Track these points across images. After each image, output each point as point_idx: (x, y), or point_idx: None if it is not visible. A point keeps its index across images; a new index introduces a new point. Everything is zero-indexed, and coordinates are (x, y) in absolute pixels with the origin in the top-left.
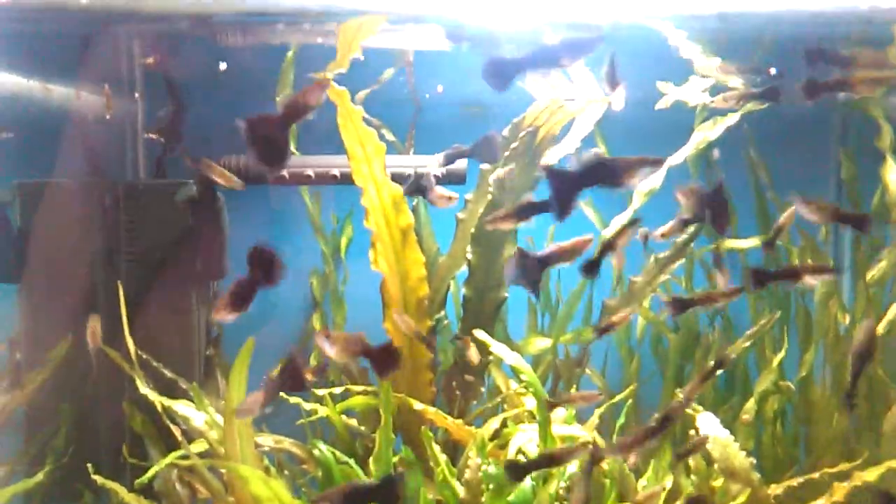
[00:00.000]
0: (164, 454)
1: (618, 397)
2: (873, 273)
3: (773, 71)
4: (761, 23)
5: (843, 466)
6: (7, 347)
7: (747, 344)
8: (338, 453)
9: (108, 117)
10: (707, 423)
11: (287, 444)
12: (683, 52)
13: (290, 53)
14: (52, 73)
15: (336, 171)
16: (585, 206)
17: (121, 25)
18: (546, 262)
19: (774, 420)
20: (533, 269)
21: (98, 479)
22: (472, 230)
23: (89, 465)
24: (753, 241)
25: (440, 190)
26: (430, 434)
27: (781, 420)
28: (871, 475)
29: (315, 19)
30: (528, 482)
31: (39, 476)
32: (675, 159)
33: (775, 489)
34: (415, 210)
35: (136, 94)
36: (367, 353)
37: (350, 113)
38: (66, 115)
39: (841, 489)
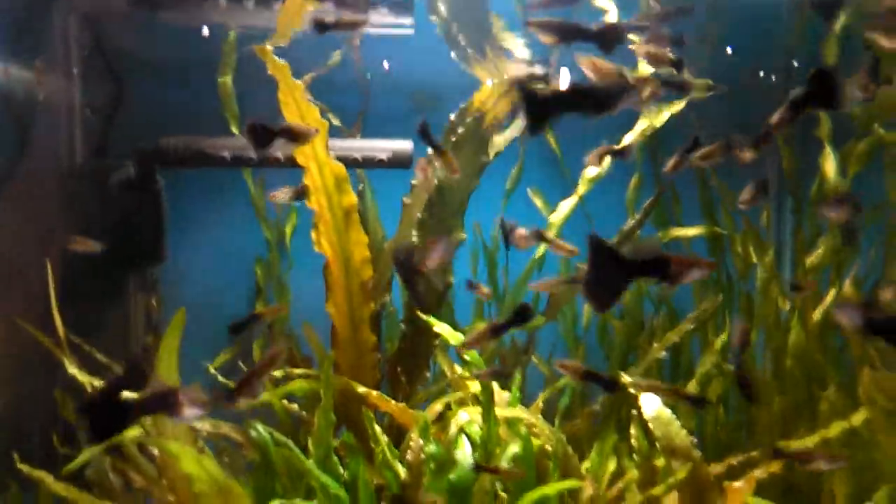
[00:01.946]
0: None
1: (561, 382)
2: (812, 259)
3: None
4: None
5: (781, 444)
6: None
7: (691, 327)
8: (276, 434)
9: (40, 96)
10: (649, 403)
11: (226, 428)
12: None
13: (231, 34)
14: None
15: (279, 153)
16: (532, 192)
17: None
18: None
19: (717, 405)
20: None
21: (24, 468)
22: (419, 215)
23: (15, 454)
24: (697, 230)
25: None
26: (372, 415)
27: (724, 405)
28: (807, 443)
29: None
30: (468, 462)
31: None
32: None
33: (716, 468)
34: (360, 194)
35: (74, 73)
36: None
37: (291, 88)
38: None
39: (777, 462)
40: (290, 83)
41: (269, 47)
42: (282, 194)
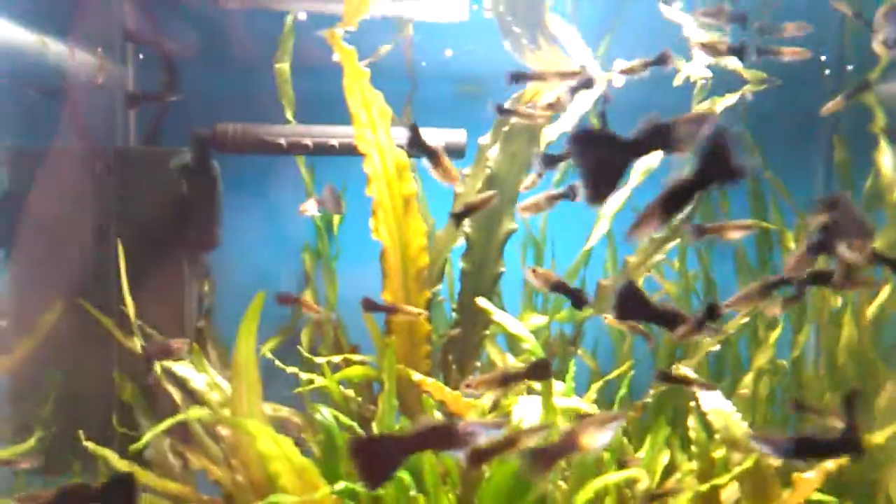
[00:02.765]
0: (154, 424)
1: (613, 374)
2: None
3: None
4: None
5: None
6: None
7: (744, 321)
8: (342, 417)
9: (100, 81)
10: (708, 395)
11: (285, 411)
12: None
13: (289, 19)
14: (47, 27)
15: (335, 141)
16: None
17: None
18: None
19: (766, 401)
20: None
21: (89, 445)
22: None
23: (80, 433)
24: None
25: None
26: (432, 402)
27: (771, 402)
28: (875, 440)
29: None
30: None
31: (29, 443)
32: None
33: (774, 461)
34: None
35: (129, 59)
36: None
37: (356, 74)
38: (60, 74)
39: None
40: (356, 70)
41: (338, 32)
42: (310, 206)
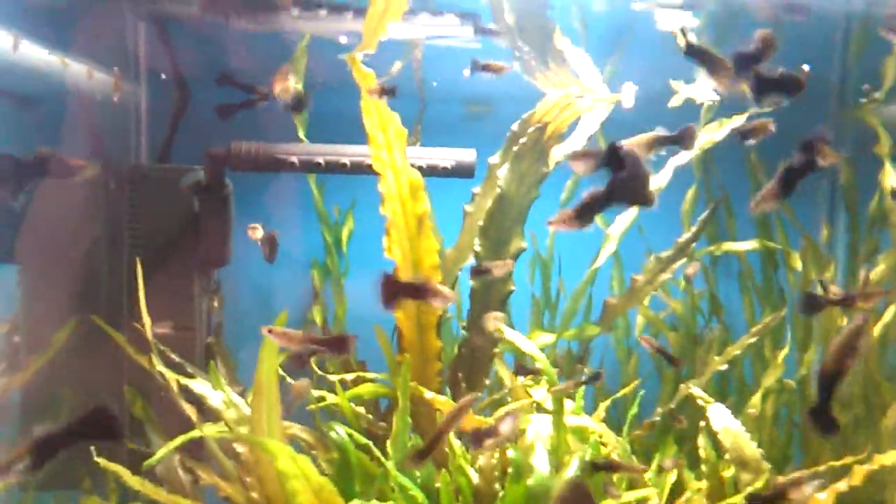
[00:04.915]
0: (165, 440)
1: (620, 393)
2: (872, 275)
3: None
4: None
5: (848, 460)
6: (7, 330)
7: (752, 340)
8: (356, 435)
9: (115, 99)
10: (718, 414)
11: (296, 429)
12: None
13: (303, 41)
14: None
15: (346, 160)
16: None
17: (127, 3)
18: None
19: (771, 421)
20: None
21: (101, 461)
22: (480, 223)
23: (91, 448)
24: (751, 244)
25: None
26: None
27: (775, 422)
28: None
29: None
30: (545, 468)
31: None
32: (680, 160)
33: (783, 480)
34: None
35: (142, 78)
36: (319, 343)
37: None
38: (78, 92)
39: (860, 472)
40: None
41: (357, 55)
42: (255, 232)
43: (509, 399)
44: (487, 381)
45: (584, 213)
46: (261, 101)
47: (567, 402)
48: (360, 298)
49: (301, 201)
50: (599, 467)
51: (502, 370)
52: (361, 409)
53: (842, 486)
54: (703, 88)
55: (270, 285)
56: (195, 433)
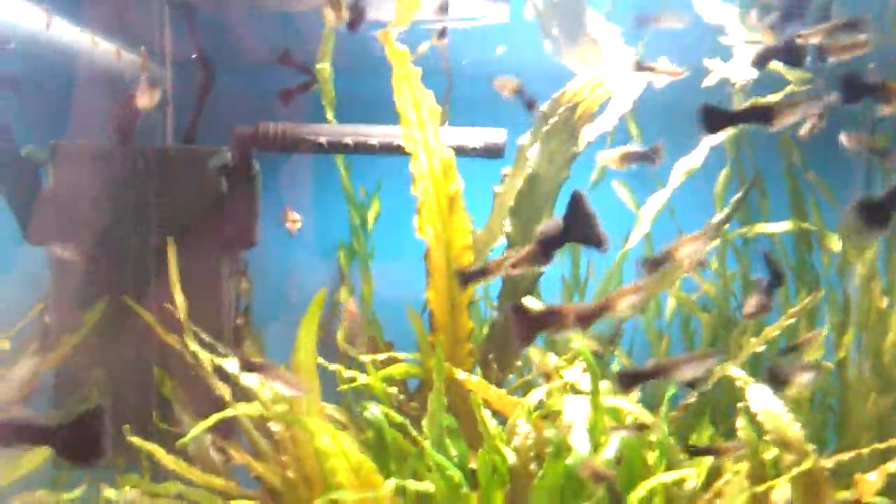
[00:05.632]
0: (195, 419)
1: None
2: None
3: None
4: None
5: (892, 442)
6: (38, 311)
7: (790, 322)
8: (391, 413)
9: (143, 80)
10: (758, 395)
11: (329, 409)
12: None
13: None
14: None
15: (375, 141)
16: (619, 186)
17: None
18: None
19: (807, 405)
20: None
21: (135, 440)
22: (511, 203)
23: (125, 427)
24: (785, 225)
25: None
26: (480, 401)
27: (809, 404)
28: None
29: None
30: (585, 447)
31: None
32: (714, 140)
33: (826, 462)
34: None
35: (168, 59)
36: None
37: (408, 74)
38: (108, 73)
39: None
40: (406, 69)
41: (391, 32)
42: (295, 224)
43: (539, 381)
44: (518, 363)
45: (543, 253)
46: (316, 85)
47: (603, 383)
48: (385, 279)
49: (325, 183)
50: (699, 452)
51: (534, 351)
52: (394, 389)
53: (891, 466)
54: (741, 66)
55: (298, 267)
56: (229, 412)
